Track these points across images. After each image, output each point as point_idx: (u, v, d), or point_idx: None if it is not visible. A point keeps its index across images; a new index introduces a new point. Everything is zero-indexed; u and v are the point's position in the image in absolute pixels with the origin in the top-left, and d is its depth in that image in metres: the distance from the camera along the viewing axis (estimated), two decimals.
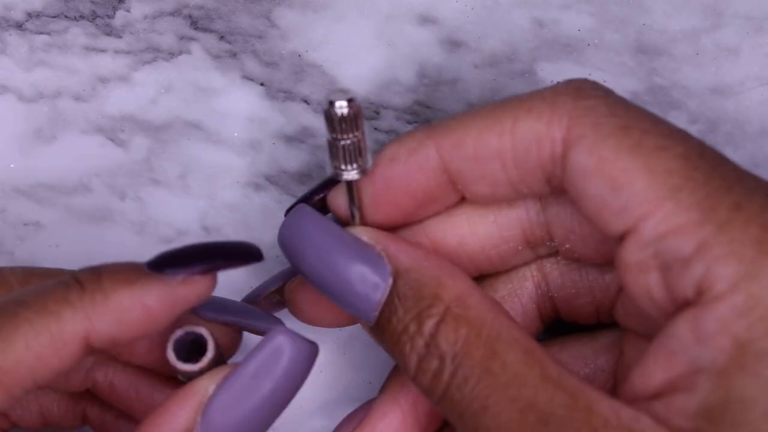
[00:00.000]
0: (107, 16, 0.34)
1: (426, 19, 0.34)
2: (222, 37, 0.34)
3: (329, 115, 0.25)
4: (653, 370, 0.23)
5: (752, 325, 0.22)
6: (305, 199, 0.29)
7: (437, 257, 0.27)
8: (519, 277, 0.30)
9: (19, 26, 0.35)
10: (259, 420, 0.26)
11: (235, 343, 0.30)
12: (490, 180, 0.26)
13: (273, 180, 0.34)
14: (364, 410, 0.30)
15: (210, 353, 0.27)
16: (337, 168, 0.26)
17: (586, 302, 0.29)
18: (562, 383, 0.24)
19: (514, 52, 0.34)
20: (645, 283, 0.24)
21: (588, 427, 0.23)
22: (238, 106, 0.35)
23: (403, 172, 0.27)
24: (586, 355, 0.29)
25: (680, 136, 0.24)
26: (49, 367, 0.24)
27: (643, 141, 0.24)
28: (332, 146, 0.26)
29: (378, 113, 0.34)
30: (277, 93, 0.34)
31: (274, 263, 0.34)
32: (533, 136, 0.25)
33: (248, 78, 0.34)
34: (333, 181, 0.28)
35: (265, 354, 0.26)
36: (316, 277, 0.26)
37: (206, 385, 0.26)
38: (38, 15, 0.35)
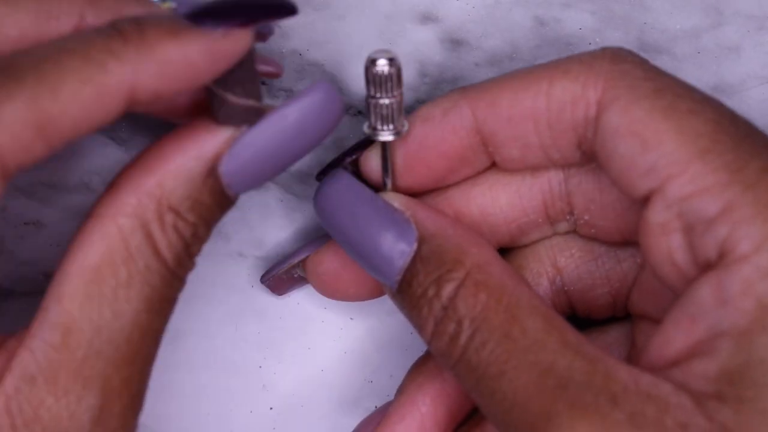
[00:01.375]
0: None
1: (427, 18, 0.34)
2: None
3: (370, 74, 0.26)
4: (672, 338, 0.23)
5: None
6: (338, 161, 0.29)
7: (462, 226, 0.27)
8: (533, 274, 0.30)
9: None
10: (279, 164, 0.26)
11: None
12: (522, 142, 0.27)
13: (273, 179, 0.35)
14: (380, 413, 0.30)
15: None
16: (373, 128, 0.27)
17: (602, 293, 0.29)
18: (581, 350, 0.24)
19: (516, 51, 0.34)
20: (667, 247, 0.24)
21: (607, 392, 0.22)
22: None
23: (437, 132, 0.28)
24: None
25: (712, 102, 0.24)
26: (92, 118, 0.23)
27: (676, 104, 0.24)
28: (370, 105, 0.27)
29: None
30: (278, 92, 0.34)
31: (275, 261, 0.34)
32: (569, 97, 0.26)
33: None
34: (366, 143, 0.29)
35: (307, 101, 0.26)
36: (346, 240, 0.27)
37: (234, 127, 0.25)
38: None
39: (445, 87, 0.34)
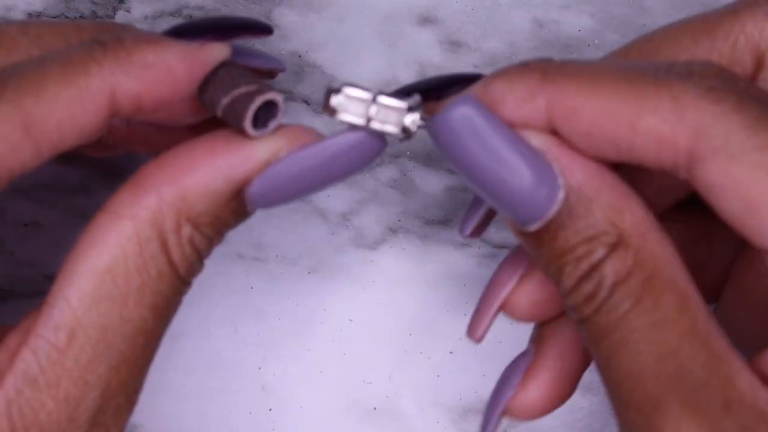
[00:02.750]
0: (107, 16, 0.34)
1: (426, 20, 0.34)
2: None
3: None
4: None
5: None
6: (435, 86, 0.28)
7: (612, 175, 0.25)
8: None
9: None
10: (304, 192, 0.26)
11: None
12: (601, 155, 0.24)
13: None
14: (523, 362, 0.29)
15: (280, 116, 0.26)
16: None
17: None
18: (708, 343, 0.23)
19: (514, 53, 0.34)
20: None
21: (722, 397, 0.22)
22: None
23: (505, 117, 0.25)
24: None
25: None
26: (76, 122, 0.23)
27: None
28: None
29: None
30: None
31: (273, 263, 0.34)
32: (655, 137, 0.23)
33: None
34: (472, 78, 0.27)
35: (343, 142, 0.25)
36: (476, 181, 0.24)
37: (279, 147, 0.25)
38: (38, 15, 0.35)
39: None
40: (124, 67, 0.24)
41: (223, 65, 0.25)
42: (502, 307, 0.29)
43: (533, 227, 0.24)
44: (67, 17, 0.35)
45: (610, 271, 0.23)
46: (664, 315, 0.23)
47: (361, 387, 0.35)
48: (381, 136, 0.25)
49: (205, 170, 0.25)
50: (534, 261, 0.26)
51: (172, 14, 0.35)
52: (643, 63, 0.24)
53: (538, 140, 0.24)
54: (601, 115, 0.24)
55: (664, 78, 0.23)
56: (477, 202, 0.29)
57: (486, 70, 0.34)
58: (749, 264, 0.28)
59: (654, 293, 0.23)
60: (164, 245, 0.24)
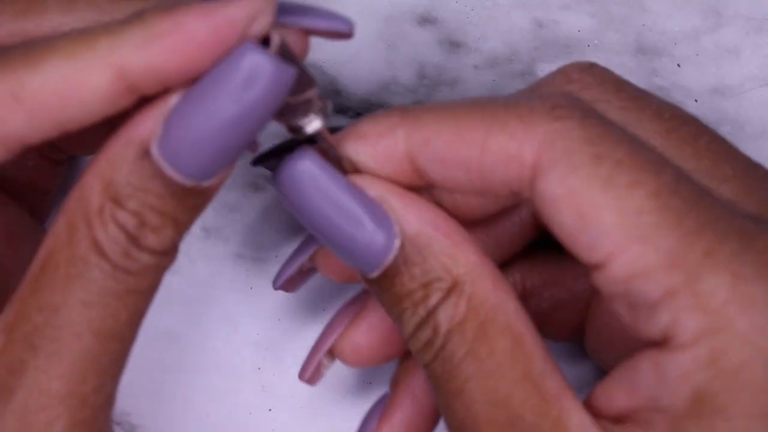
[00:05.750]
0: None
1: (426, 20, 0.34)
2: None
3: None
4: (616, 394, 0.23)
5: (713, 379, 0.21)
6: (283, 147, 0.27)
7: (446, 220, 0.26)
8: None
9: None
10: (223, 138, 0.23)
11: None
12: (454, 183, 0.25)
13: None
14: (381, 405, 0.30)
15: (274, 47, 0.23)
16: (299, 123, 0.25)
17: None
18: (540, 386, 0.23)
19: (514, 53, 0.34)
20: (617, 312, 0.23)
21: None
22: None
23: (370, 152, 0.26)
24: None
25: (654, 168, 0.23)
26: (78, 95, 0.22)
27: (616, 174, 0.22)
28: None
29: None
30: None
31: (274, 262, 0.34)
32: (503, 154, 0.24)
33: None
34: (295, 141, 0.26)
35: (236, 68, 0.22)
36: (318, 230, 0.25)
37: (170, 96, 0.23)
38: None
39: (444, 89, 0.34)
40: (135, 40, 0.22)
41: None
42: (334, 353, 0.30)
43: (374, 274, 0.25)
44: None
45: (444, 317, 0.24)
46: (498, 362, 0.23)
47: (361, 388, 0.35)
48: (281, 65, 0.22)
49: (112, 143, 0.23)
50: (381, 306, 0.26)
51: None
52: (494, 96, 0.25)
53: (375, 190, 0.25)
54: (454, 138, 0.24)
55: (513, 102, 0.24)
56: (292, 257, 0.30)
57: (486, 70, 0.34)
58: (600, 297, 0.29)
59: (487, 340, 0.24)
60: (90, 228, 0.23)
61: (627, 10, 0.34)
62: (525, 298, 0.30)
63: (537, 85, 0.27)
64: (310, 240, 0.30)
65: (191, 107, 0.23)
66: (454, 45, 0.34)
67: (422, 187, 0.26)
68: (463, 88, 0.34)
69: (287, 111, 0.25)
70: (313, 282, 0.35)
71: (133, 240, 0.23)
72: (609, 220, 0.22)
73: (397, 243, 0.25)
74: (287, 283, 0.31)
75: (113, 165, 0.23)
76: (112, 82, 0.22)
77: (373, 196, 0.25)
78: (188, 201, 0.24)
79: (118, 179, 0.23)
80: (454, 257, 0.25)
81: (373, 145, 0.25)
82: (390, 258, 0.25)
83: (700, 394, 0.21)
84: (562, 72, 0.27)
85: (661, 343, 0.22)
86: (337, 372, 0.35)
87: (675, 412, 0.22)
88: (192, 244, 0.34)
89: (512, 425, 0.23)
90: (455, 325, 0.24)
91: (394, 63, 0.34)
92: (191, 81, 0.23)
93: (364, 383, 0.35)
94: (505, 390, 0.23)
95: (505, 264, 0.30)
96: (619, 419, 0.23)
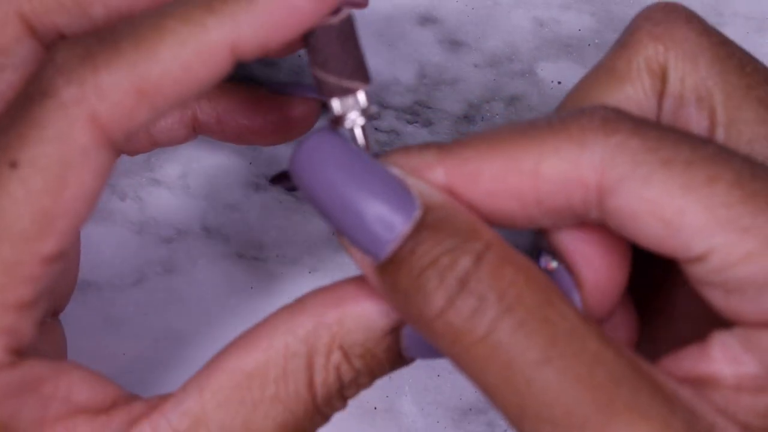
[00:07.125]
0: None
1: (426, 19, 0.34)
2: None
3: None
4: (717, 359, 0.22)
5: None
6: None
7: (466, 205, 0.24)
8: None
9: None
10: None
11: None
12: (508, 213, 0.24)
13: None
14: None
15: None
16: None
17: None
18: (618, 345, 0.22)
19: (515, 52, 0.34)
20: (708, 299, 0.23)
21: (661, 397, 0.22)
22: None
23: None
24: None
25: (722, 159, 0.22)
26: (196, 78, 0.23)
27: (690, 175, 0.22)
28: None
29: (378, 113, 0.34)
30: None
31: (274, 262, 0.34)
32: (560, 180, 0.23)
33: (248, 78, 0.34)
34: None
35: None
36: (331, 203, 0.24)
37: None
38: None
39: (444, 88, 0.34)
40: (246, 15, 0.23)
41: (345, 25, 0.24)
42: None
43: (388, 249, 0.23)
44: None
45: (487, 282, 0.22)
46: (574, 325, 0.22)
47: None
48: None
49: (366, 300, 0.24)
50: (396, 293, 0.24)
51: None
52: (533, 120, 0.24)
53: (396, 170, 0.24)
54: (503, 170, 0.23)
55: (558, 123, 0.23)
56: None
57: (486, 70, 0.34)
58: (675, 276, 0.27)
59: (555, 306, 0.22)
60: (309, 364, 0.24)
61: (627, 9, 0.34)
62: None
63: (625, 32, 0.27)
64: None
65: None
66: (454, 44, 0.34)
67: None
68: (464, 88, 0.34)
69: (329, 89, 0.25)
70: (314, 283, 0.35)
71: (341, 391, 0.25)
72: (699, 220, 0.22)
73: (418, 213, 0.23)
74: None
75: (358, 323, 0.24)
76: (227, 60, 0.23)
77: (396, 173, 0.24)
78: (393, 369, 0.25)
79: (356, 337, 0.24)
80: (481, 224, 0.23)
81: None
82: (407, 227, 0.23)
83: None
84: (645, 17, 0.26)
85: None
86: None
87: None
88: (192, 244, 0.34)
89: (617, 383, 0.21)
90: (508, 289, 0.22)
91: (394, 62, 0.34)
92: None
93: None
94: (595, 348, 0.22)
95: None
96: (715, 385, 0.22)
